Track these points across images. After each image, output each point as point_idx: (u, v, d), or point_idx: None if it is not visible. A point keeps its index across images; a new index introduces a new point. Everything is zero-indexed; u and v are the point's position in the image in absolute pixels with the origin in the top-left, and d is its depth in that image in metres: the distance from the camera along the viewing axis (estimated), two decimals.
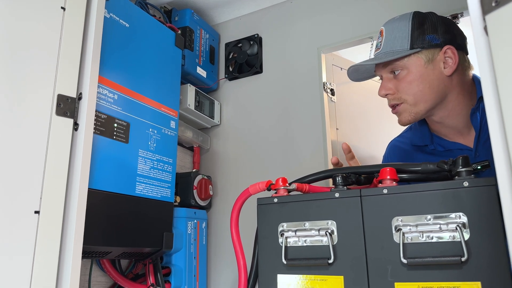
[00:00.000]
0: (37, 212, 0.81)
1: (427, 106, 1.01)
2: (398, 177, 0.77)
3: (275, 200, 0.83)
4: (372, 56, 1.11)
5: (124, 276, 1.35)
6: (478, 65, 0.59)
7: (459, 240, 0.65)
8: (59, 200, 0.85)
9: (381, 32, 1.07)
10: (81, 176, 0.88)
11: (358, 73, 1.13)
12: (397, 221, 0.70)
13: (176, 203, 1.42)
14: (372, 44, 1.50)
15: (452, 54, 0.99)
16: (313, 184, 0.90)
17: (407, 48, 0.99)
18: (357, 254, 0.72)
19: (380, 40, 1.06)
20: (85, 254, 1.05)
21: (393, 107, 1.06)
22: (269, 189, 0.88)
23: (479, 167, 0.75)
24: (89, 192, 0.91)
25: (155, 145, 1.26)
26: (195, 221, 1.48)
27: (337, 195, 0.77)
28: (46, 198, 0.82)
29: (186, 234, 1.41)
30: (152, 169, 1.23)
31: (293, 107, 1.60)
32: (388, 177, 0.76)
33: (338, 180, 0.79)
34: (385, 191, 0.73)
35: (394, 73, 1.03)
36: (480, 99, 0.99)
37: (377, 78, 2.03)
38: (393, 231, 0.70)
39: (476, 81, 1.03)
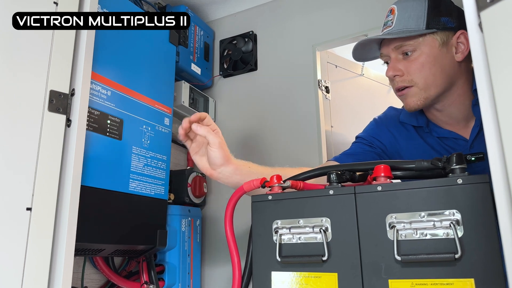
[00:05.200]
0: (29, 209, 0.80)
1: (438, 91, 0.98)
2: (392, 174, 0.77)
3: (269, 197, 0.83)
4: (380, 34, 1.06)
5: (118, 273, 1.34)
6: (473, 62, 0.59)
7: (452, 237, 0.65)
8: (52, 197, 0.84)
9: (391, 10, 1.03)
10: (74, 172, 0.87)
11: (364, 51, 1.09)
12: (391, 218, 0.70)
13: (170, 201, 1.41)
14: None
15: (464, 39, 0.97)
16: (308, 182, 0.90)
17: (423, 27, 0.96)
18: (351, 251, 0.72)
19: (390, 18, 1.02)
20: (78, 252, 1.04)
21: (400, 89, 1.02)
22: (263, 187, 0.88)
23: (473, 159, 0.75)
24: (82, 189, 0.90)
25: (148, 142, 1.25)
26: (189, 218, 1.47)
27: (331, 192, 0.77)
28: (38, 195, 0.81)
29: (180, 231, 1.40)
30: (145, 166, 1.23)
31: (287, 105, 1.60)
32: (382, 174, 0.76)
33: (333, 178, 0.79)
34: (379, 188, 0.73)
35: (406, 54, 0.99)
36: (475, 91, 0.98)
37: (372, 76, 2.02)
38: (387, 228, 0.70)
39: None
